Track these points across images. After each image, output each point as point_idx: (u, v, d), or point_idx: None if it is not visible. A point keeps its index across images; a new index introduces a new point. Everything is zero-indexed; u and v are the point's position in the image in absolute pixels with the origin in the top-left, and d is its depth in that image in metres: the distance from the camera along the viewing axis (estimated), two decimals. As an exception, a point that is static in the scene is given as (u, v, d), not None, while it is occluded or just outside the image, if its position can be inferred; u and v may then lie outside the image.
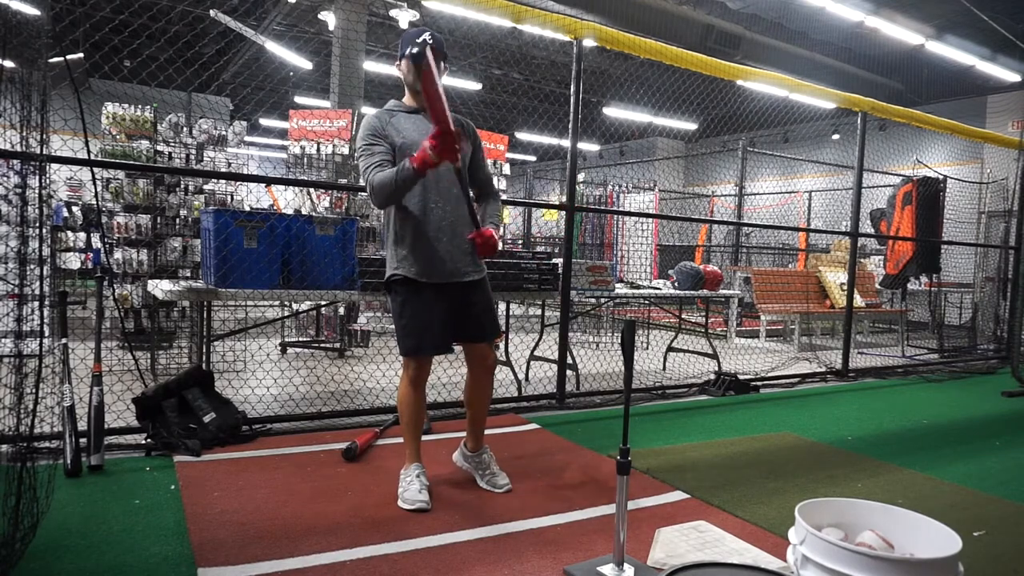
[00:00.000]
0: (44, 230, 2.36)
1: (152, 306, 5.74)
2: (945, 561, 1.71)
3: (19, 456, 2.06)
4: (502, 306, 6.16)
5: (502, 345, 5.30)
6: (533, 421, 4.14)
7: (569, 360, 4.78)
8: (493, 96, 14.89)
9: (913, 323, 9.79)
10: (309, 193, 6.67)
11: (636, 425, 4.07)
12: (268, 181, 5.99)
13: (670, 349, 6.36)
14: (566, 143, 4.56)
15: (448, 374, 5.40)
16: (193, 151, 6.06)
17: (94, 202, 4.31)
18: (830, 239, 11.82)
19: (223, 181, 6.12)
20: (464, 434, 3.08)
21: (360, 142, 2.72)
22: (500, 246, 2.69)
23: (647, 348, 7.72)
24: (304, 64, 11.62)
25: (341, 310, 6.70)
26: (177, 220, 5.96)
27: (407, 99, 2.85)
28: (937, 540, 1.85)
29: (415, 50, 2.60)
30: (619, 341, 2.95)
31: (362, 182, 2.71)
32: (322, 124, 6.96)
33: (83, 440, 2.97)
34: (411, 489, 2.73)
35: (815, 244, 12.97)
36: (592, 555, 2.31)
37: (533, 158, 19.00)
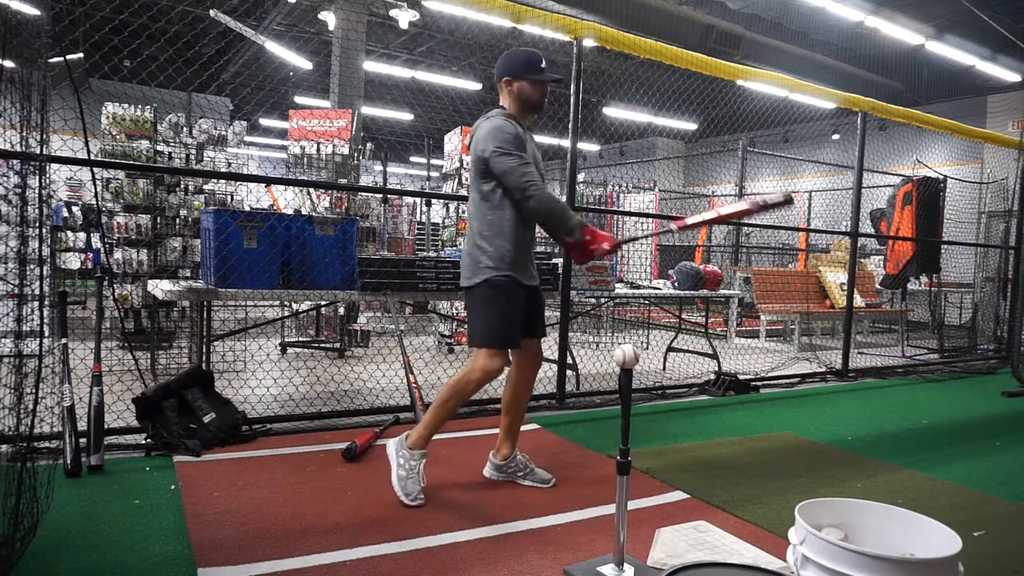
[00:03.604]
0: (44, 230, 2.36)
1: (152, 306, 5.74)
2: (945, 561, 1.71)
3: (19, 456, 2.06)
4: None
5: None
6: (533, 421, 4.14)
7: (569, 360, 4.78)
8: (493, 96, 14.82)
9: (913, 323, 9.78)
10: (309, 193, 6.67)
11: (636, 425, 4.06)
12: (268, 181, 5.99)
13: (670, 349, 6.36)
14: (566, 143, 4.56)
15: (448, 374, 5.40)
16: (193, 151, 6.06)
17: (94, 202, 4.31)
18: (830, 239, 11.82)
19: (223, 181, 6.12)
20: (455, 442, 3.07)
21: (506, 144, 2.75)
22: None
23: (647, 348, 7.72)
24: (304, 64, 11.62)
25: (341, 310, 6.70)
26: (177, 220, 5.97)
27: (519, 113, 2.96)
28: (937, 540, 1.85)
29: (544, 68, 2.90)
30: (619, 341, 2.98)
31: (509, 179, 2.75)
32: (322, 124, 6.96)
33: (83, 440, 2.97)
34: (413, 479, 2.77)
35: (815, 244, 12.97)
36: (592, 555, 2.31)
37: (533, 158, 18.96)
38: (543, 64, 2.90)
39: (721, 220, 2.88)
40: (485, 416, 4.24)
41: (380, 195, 7.12)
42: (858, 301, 8.40)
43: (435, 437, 3.63)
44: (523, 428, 3.97)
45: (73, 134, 3.06)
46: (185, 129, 6.06)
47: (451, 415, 2.91)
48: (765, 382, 5.71)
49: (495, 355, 2.84)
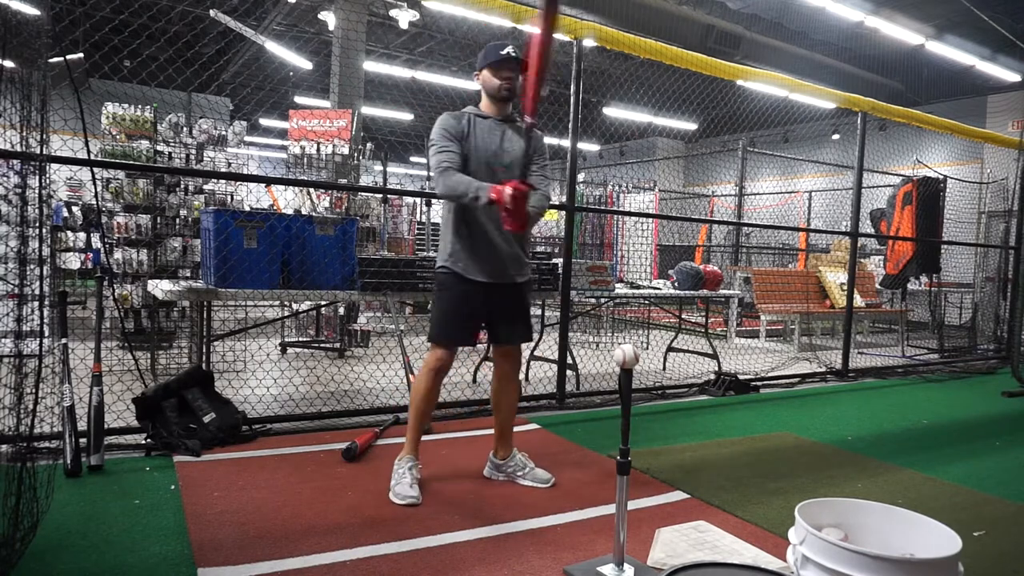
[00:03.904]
0: (44, 230, 2.36)
1: (152, 306, 5.73)
2: (945, 561, 1.71)
3: (19, 456, 2.06)
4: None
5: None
6: (533, 421, 4.14)
7: (569, 360, 4.78)
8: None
9: (913, 323, 9.78)
10: (309, 193, 6.67)
11: (636, 425, 4.06)
12: (268, 181, 5.99)
13: (670, 349, 6.36)
14: (566, 143, 4.56)
15: (448, 374, 5.40)
16: (193, 151, 6.06)
17: (94, 202, 4.31)
18: (830, 239, 11.82)
19: (223, 181, 6.12)
20: (452, 439, 3.07)
21: (437, 134, 2.80)
22: (529, 227, 2.80)
23: (647, 348, 7.72)
24: (304, 64, 11.62)
25: (341, 310, 6.69)
26: (177, 220, 5.96)
27: (487, 107, 2.93)
28: (937, 540, 1.85)
29: (503, 52, 2.78)
30: (619, 341, 2.97)
31: (431, 174, 2.80)
32: (322, 124, 6.96)
33: (83, 440, 2.97)
34: (403, 483, 2.78)
35: (815, 244, 12.97)
36: (592, 555, 2.31)
37: (533, 158, 18.96)
38: (504, 51, 2.81)
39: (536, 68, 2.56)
40: (485, 416, 4.24)
41: (380, 195, 7.12)
42: (858, 301, 8.39)
43: (435, 437, 3.64)
44: (523, 428, 3.98)
45: (73, 134, 3.06)
46: (185, 129, 6.06)
47: (422, 415, 2.93)
48: (765, 382, 5.71)
49: (435, 349, 2.88)
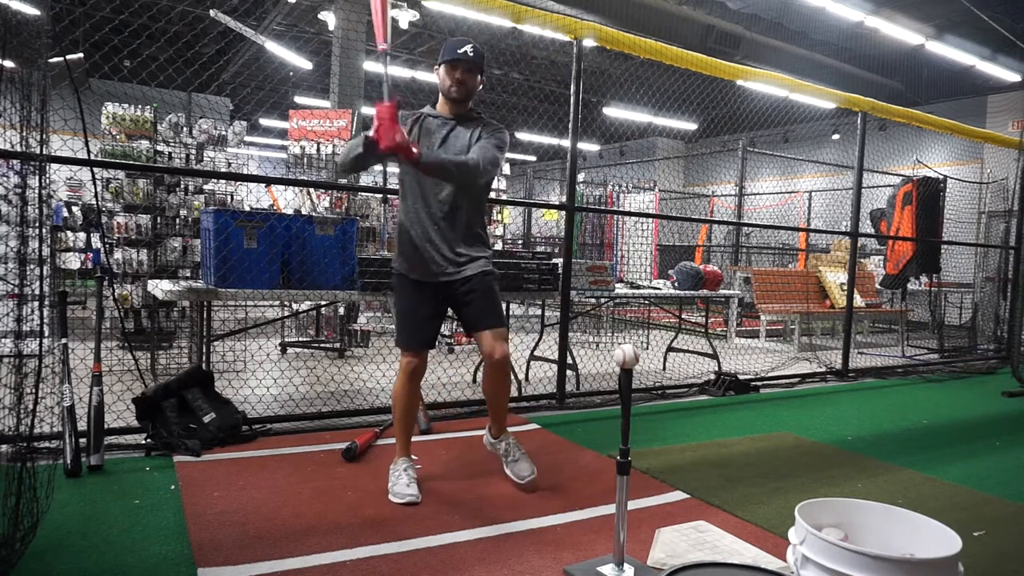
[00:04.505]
0: (44, 230, 2.36)
1: (152, 306, 5.73)
2: (945, 561, 1.71)
3: (19, 456, 2.06)
4: (502, 306, 6.16)
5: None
6: (533, 421, 4.14)
7: (569, 360, 4.78)
8: (493, 96, 14.88)
9: (913, 323, 9.78)
10: (309, 193, 6.67)
11: (636, 425, 4.07)
12: (268, 181, 5.99)
13: (670, 349, 6.36)
14: (566, 143, 4.56)
15: (448, 374, 5.41)
16: (193, 151, 6.06)
17: (94, 202, 4.31)
18: (830, 239, 11.82)
19: (223, 181, 6.12)
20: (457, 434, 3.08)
21: None
22: (405, 147, 2.49)
23: (647, 348, 7.72)
24: (304, 64, 11.62)
25: (341, 310, 6.69)
26: (177, 220, 5.96)
27: (440, 106, 2.88)
28: (937, 540, 1.85)
29: (459, 51, 2.72)
30: (619, 341, 2.96)
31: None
32: (322, 124, 6.96)
33: (83, 440, 2.97)
34: (400, 483, 2.78)
35: (815, 244, 12.97)
36: (592, 555, 2.31)
37: (533, 158, 19.00)
38: (461, 49, 2.74)
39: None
40: (485, 416, 4.23)
41: (380, 195, 7.12)
42: (858, 301, 8.39)
43: (435, 437, 3.65)
44: (523, 428, 3.99)
45: (73, 134, 3.06)
46: (185, 129, 6.06)
47: (404, 417, 2.92)
48: (765, 382, 5.71)
49: (403, 354, 2.88)
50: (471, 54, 2.75)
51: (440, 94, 2.86)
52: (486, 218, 3.09)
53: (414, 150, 2.51)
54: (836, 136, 14.48)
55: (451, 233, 2.83)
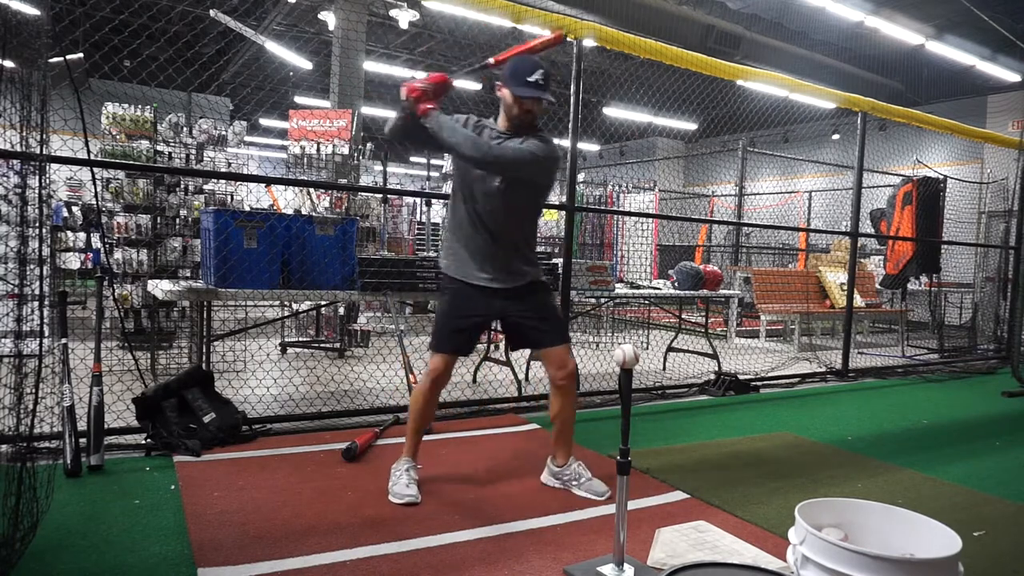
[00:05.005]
0: (44, 230, 2.36)
1: (152, 306, 5.73)
2: (945, 561, 1.71)
3: (19, 456, 2.06)
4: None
5: (502, 345, 5.29)
6: (533, 421, 4.14)
7: (569, 360, 4.77)
8: (493, 96, 14.84)
9: (913, 323, 9.78)
10: (309, 193, 6.67)
11: (636, 425, 4.07)
12: (268, 181, 5.99)
13: (670, 349, 6.36)
14: (566, 143, 4.56)
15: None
16: (193, 151, 6.06)
17: (94, 202, 4.31)
18: (830, 239, 11.82)
19: (223, 181, 6.12)
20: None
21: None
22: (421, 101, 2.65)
23: (647, 348, 7.72)
24: (304, 64, 11.62)
25: (341, 310, 6.69)
26: (177, 220, 5.96)
27: (501, 121, 2.82)
28: (937, 540, 1.85)
29: (531, 79, 2.66)
30: (619, 341, 2.96)
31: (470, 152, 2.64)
32: (322, 124, 6.96)
33: (83, 440, 2.97)
34: (400, 483, 2.77)
35: (815, 244, 12.97)
36: (592, 555, 2.31)
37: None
38: (532, 77, 2.62)
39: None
40: (485, 416, 4.25)
41: (380, 195, 7.12)
42: (858, 301, 8.39)
43: (435, 437, 3.64)
44: (523, 428, 3.99)
45: (73, 134, 3.06)
46: (185, 129, 6.06)
47: (422, 419, 2.90)
48: (765, 382, 5.71)
49: (434, 357, 2.83)
50: (542, 83, 2.65)
51: (504, 112, 2.78)
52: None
53: (429, 106, 2.57)
54: (836, 136, 14.47)
55: (502, 241, 2.79)
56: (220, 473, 2.99)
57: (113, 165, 4.97)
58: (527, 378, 5.54)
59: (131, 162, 5.66)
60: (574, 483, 2.94)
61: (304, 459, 3.25)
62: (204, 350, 3.98)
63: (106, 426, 3.11)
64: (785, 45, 11.06)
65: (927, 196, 7.92)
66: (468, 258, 2.80)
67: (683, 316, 6.90)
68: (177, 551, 2.24)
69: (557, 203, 5.88)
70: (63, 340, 3.03)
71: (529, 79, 2.63)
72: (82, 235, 10.43)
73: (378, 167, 9.25)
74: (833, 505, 2.05)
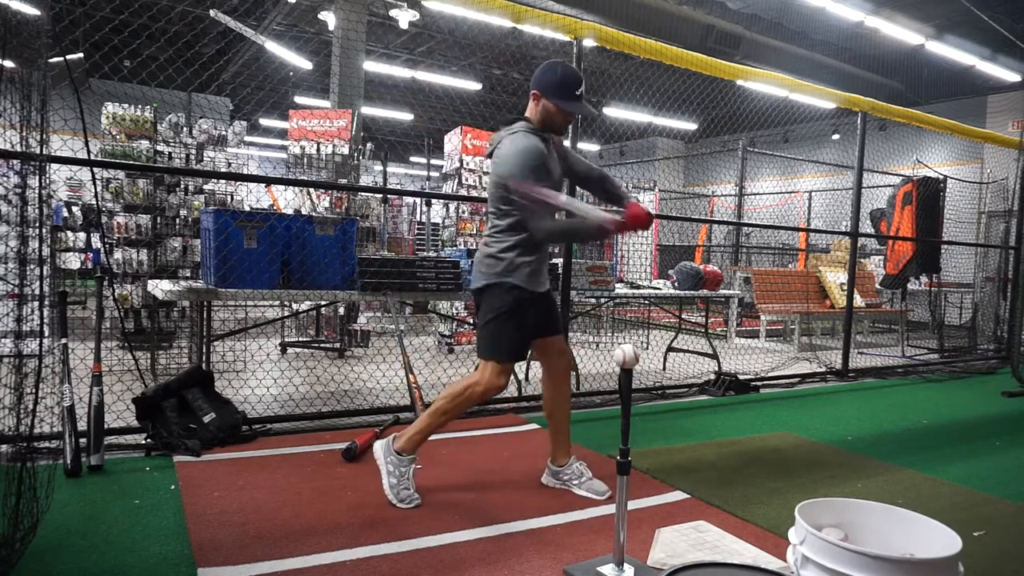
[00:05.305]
0: (44, 230, 2.36)
1: (152, 306, 5.74)
2: (945, 561, 1.71)
3: (19, 456, 2.06)
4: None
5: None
6: (533, 421, 4.14)
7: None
8: (493, 96, 14.88)
9: (913, 323, 9.78)
10: (309, 193, 6.68)
11: (636, 425, 4.07)
12: (268, 181, 5.99)
13: (670, 349, 6.36)
14: (566, 143, 4.55)
15: (448, 374, 5.41)
16: (193, 151, 6.06)
17: (94, 202, 4.31)
18: (830, 239, 11.82)
19: (223, 181, 6.12)
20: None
21: (527, 172, 2.60)
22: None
23: (647, 348, 7.72)
24: (304, 64, 11.63)
25: (341, 310, 6.70)
26: (177, 220, 5.97)
27: (538, 126, 2.79)
28: (937, 540, 1.85)
29: (578, 92, 2.73)
30: (619, 341, 2.96)
31: (527, 220, 2.65)
32: (322, 124, 6.96)
33: (83, 440, 2.97)
34: (404, 488, 2.72)
35: (815, 244, 12.97)
36: (592, 555, 2.31)
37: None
38: (579, 91, 2.73)
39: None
40: (485, 416, 4.24)
41: (380, 195, 7.12)
42: (858, 301, 8.40)
43: (435, 437, 3.63)
44: (523, 428, 3.99)
45: (73, 134, 3.06)
46: (185, 129, 6.06)
47: (447, 423, 2.82)
48: (765, 382, 5.71)
49: (502, 367, 2.72)
50: (583, 95, 2.77)
51: (543, 121, 2.77)
52: None
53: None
54: (836, 136, 14.48)
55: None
56: (220, 473, 2.99)
57: (113, 165, 4.97)
58: (527, 378, 5.54)
59: (131, 162, 5.67)
60: (575, 481, 2.94)
61: (304, 459, 3.25)
62: (204, 350, 3.97)
63: (106, 426, 3.11)
64: (785, 45, 11.07)
65: (927, 196, 7.92)
66: (540, 270, 2.83)
67: (683, 316, 6.90)
68: (177, 551, 2.24)
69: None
70: (63, 340, 3.03)
71: (576, 92, 2.75)
72: (82, 235, 10.44)
73: (378, 167, 9.26)
74: (833, 505, 2.04)
